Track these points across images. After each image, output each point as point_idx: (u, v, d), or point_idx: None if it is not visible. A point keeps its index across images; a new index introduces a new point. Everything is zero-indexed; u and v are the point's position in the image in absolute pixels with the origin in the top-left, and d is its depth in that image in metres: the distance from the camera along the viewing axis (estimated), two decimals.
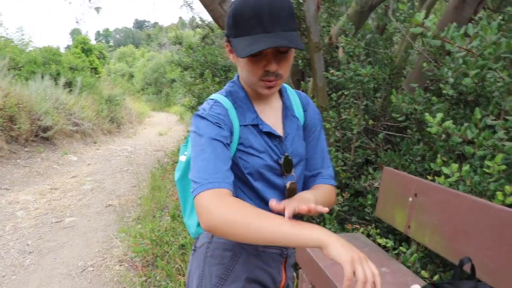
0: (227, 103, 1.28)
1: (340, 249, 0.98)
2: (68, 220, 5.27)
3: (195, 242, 1.46)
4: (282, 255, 1.41)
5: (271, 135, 1.30)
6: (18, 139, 8.81)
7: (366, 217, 2.93)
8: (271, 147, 1.29)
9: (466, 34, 1.98)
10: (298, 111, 1.43)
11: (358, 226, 2.80)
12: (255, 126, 1.29)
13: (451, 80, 2.08)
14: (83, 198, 6.35)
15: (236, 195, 1.27)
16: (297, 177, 1.36)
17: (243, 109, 1.30)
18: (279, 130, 1.34)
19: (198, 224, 1.41)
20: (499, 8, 4.22)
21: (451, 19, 3.01)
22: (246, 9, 1.13)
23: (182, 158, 1.47)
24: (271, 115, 1.34)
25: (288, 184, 1.32)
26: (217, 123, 1.21)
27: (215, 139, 1.17)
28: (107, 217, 5.38)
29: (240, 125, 1.27)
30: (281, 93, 1.41)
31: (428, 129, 1.95)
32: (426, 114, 1.92)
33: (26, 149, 8.85)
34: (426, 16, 3.86)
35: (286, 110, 1.38)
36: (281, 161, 1.30)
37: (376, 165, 3.10)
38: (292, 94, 1.46)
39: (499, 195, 1.84)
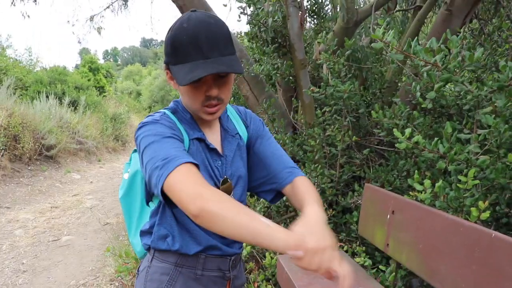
0: (173, 117, 1.28)
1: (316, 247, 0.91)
2: (65, 239, 5.27)
3: (139, 265, 1.45)
4: (225, 278, 1.40)
5: (214, 154, 1.31)
6: (22, 158, 8.88)
7: (352, 234, 2.90)
8: (212, 167, 1.30)
9: (446, 47, 1.99)
10: (240, 129, 1.44)
11: (342, 244, 2.78)
12: (201, 141, 1.30)
13: (418, 94, 2.08)
14: (82, 217, 6.36)
15: (171, 211, 1.28)
16: (237, 198, 1.35)
17: (188, 126, 1.30)
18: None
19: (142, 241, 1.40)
20: (493, 18, 4.23)
21: (439, 31, 3.02)
22: (184, 37, 1.14)
23: (126, 176, 1.47)
24: (211, 137, 1.35)
25: None
26: (170, 127, 1.21)
27: (171, 137, 1.16)
28: (103, 236, 5.38)
29: (190, 139, 1.27)
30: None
31: (398, 144, 1.94)
32: (395, 130, 1.91)
33: (29, 168, 8.91)
34: (419, 29, 3.92)
35: (224, 132, 1.39)
36: (219, 183, 1.30)
37: (364, 181, 3.08)
38: (232, 113, 1.47)
39: (474, 211, 1.82)
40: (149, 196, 1.36)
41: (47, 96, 11.60)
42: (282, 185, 1.37)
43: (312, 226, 0.99)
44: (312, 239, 0.92)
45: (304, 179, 1.37)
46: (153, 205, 1.37)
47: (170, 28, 1.19)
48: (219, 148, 1.35)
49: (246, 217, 0.95)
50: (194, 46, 1.13)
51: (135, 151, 1.52)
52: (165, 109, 1.33)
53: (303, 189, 1.30)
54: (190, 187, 0.99)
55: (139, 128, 1.23)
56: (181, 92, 1.26)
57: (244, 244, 3.01)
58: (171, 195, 1.02)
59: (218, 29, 1.16)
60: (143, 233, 1.38)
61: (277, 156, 1.42)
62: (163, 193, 1.04)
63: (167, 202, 1.07)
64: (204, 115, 1.25)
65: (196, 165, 1.08)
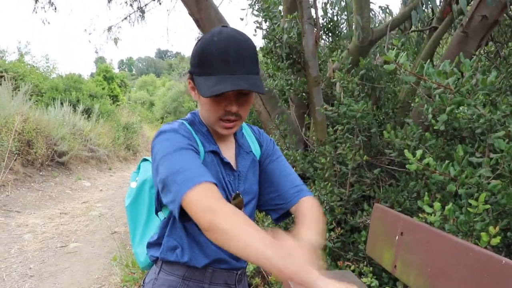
0: (190, 128, 1.30)
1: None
2: (73, 246, 5.30)
3: (144, 276, 1.46)
4: None
5: (228, 168, 1.32)
6: (34, 163, 8.98)
7: (360, 254, 2.88)
8: (226, 181, 1.31)
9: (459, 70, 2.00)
10: (254, 147, 1.45)
11: (350, 263, 2.76)
12: (216, 154, 1.31)
13: (430, 116, 2.08)
14: (90, 224, 6.40)
15: (183, 225, 1.29)
16: (247, 214, 1.36)
17: (204, 138, 1.32)
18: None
19: (147, 253, 1.41)
20: (509, 41, 4.22)
21: (455, 53, 3.02)
22: (213, 49, 1.16)
23: (133, 185, 1.48)
24: (226, 152, 1.36)
25: None
26: (187, 136, 1.22)
27: (189, 148, 1.18)
28: (111, 244, 5.40)
29: (205, 151, 1.29)
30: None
31: (408, 166, 1.94)
32: (406, 151, 1.91)
33: (41, 173, 9.00)
34: (434, 50, 3.92)
35: (239, 148, 1.40)
36: (231, 197, 1.31)
37: (374, 200, 3.07)
38: (247, 131, 1.48)
39: (484, 236, 1.80)
40: (159, 206, 1.37)
41: (61, 103, 11.75)
42: (289, 205, 1.38)
43: (293, 249, 0.97)
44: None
45: (309, 200, 1.38)
46: (162, 215, 1.38)
47: (200, 40, 1.22)
48: (233, 163, 1.36)
49: (254, 237, 0.94)
50: (222, 60, 1.15)
51: (144, 160, 1.53)
52: (182, 119, 1.35)
53: (305, 211, 1.31)
54: (204, 201, 1.01)
55: (157, 135, 1.24)
56: (201, 104, 1.28)
57: None
58: (188, 210, 1.03)
59: (247, 46, 1.19)
60: (151, 245, 1.39)
61: (285, 174, 1.43)
62: (179, 209, 1.05)
63: (181, 218, 1.07)
64: (220, 129, 1.26)
65: (215, 184, 1.09)
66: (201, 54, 1.19)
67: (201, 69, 1.19)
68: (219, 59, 1.15)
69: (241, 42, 1.18)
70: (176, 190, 1.05)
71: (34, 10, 8.79)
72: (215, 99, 1.20)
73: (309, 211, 1.31)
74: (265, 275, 3.15)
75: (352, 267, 2.69)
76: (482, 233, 1.80)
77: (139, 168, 1.53)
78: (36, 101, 12.39)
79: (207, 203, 1.00)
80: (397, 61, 1.81)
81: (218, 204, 1.00)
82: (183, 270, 1.31)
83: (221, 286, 1.36)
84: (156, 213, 1.39)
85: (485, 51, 4.05)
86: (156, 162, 1.17)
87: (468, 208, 1.86)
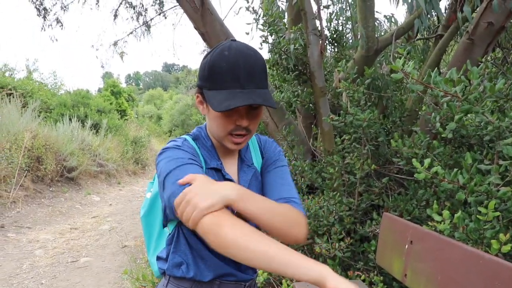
0: (194, 144, 1.31)
1: (341, 280, 0.94)
2: (83, 260, 5.32)
3: (157, 285, 1.47)
4: None
5: None
6: (44, 179, 9.04)
7: (370, 264, 2.87)
8: None
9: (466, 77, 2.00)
10: (256, 159, 1.45)
11: (360, 273, 2.75)
12: (218, 171, 1.32)
13: (438, 124, 2.08)
14: (101, 239, 6.41)
15: (186, 239, 1.31)
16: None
17: (207, 154, 1.33)
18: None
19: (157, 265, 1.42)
20: None
21: (461, 60, 3.01)
22: (223, 64, 1.16)
23: (148, 195, 1.49)
24: (229, 167, 1.37)
25: None
26: (190, 152, 1.24)
27: (193, 164, 1.19)
28: (121, 258, 5.40)
29: (207, 168, 1.30)
30: None
31: (416, 174, 1.94)
32: (414, 160, 1.91)
33: (51, 189, 9.05)
34: (440, 57, 3.92)
35: (241, 162, 1.41)
36: (235, 213, 1.32)
37: (383, 210, 3.06)
38: (253, 142, 1.49)
39: (494, 243, 1.79)
40: (166, 220, 1.38)
41: (70, 119, 11.84)
42: None
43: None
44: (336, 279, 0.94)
45: (290, 206, 1.28)
46: (168, 230, 1.39)
47: (209, 53, 1.22)
48: (235, 178, 1.37)
49: (262, 244, 0.98)
50: (232, 74, 1.15)
51: None
52: (187, 135, 1.37)
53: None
54: (209, 215, 1.03)
55: (161, 153, 1.26)
56: (210, 118, 1.27)
57: (260, 271, 2.99)
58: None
59: (257, 61, 1.19)
60: (159, 258, 1.40)
61: (276, 185, 1.37)
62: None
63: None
64: (229, 144, 1.27)
65: None
66: (211, 68, 1.18)
67: (211, 83, 1.19)
68: (229, 73, 1.16)
69: (251, 56, 1.18)
70: (172, 191, 1.10)
71: (42, 28, 8.93)
72: (225, 113, 1.20)
73: (280, 204, 1.26)
74: (275, 286, 3.14)
75: (363, 277, 2.68)
76: (493, 241, 1.79)
77: (154, 178, 1.54)
78: (45, 117, 12.52)
79: (210, 217, 1.03)
80: (404, 70, 1.82)
81: (220, 215, 1.04)
82: (190, 283, 1.32)
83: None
84: (163, 227, 1.40)
85: (492, 58, 4.05)
86: (161, 179, 1.19)
87: (477, 216, 1.85)
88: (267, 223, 1.15)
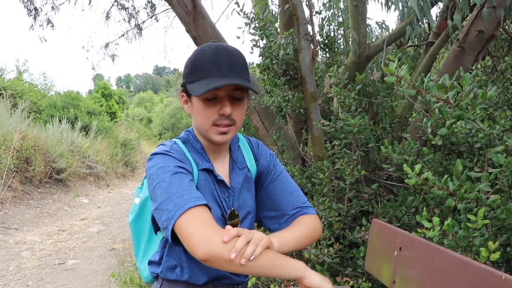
0: (183, 147, 1.31)
1: (320, 277, 1.16)
2: (71, 262, 5.27)
3: None
4: None
5: (222, 185, 1.32)
6: (32, 180, 8.97)
7: (359, 270, 2.86)
8: (220, 199, 1.31)
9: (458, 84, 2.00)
10: (250, 162, 1.45)
11: (348, 279, 2.74)
12: (210, 172, 1.31)
13: (429, 130, 2.08)
14: (88, 241, 6.36)
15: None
16: None
17: (198, 156, 1.32)
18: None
19: (149, 270, 1.41)
20: (506, 56, 4.24)
21: (451, 68, 3.03)
22: (204, 58, 1.20)
23: (137, 201, 1.47)
24: (220, 168, 1.36)
25: None
26: (179, 159, 1.23)
27: (180, 172, 1.19)
28: (109, 261, 5.36)
29: (199, 169, 1.29)
30: (230, 146, 1.43)
31: (407, 180, 1.94)
32: (405, 165, 1.91)
33: (39, 190, 8.98)
34: (431, 65, 3.94)
35: (233, 164, 1.40)
36: (227, 215, 1.31)
37: (372, 216, 3.06)
38: (244, 144, 1.48)
39: (483, 251, 1.79)
40: (156, 226, 1.37)
41: (60, 120, 11.77)
42: (287, 225, 1.40)
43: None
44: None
45: (306, 217, 1.40)
46: (161, 234, 1.38)
47: (192, 53, 1.26)
48: (227, 180, 1.36)
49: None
50: (213, 65, 1.18)
51: None
52: (176, 138, 1.36)
53: (292, 225, 1.37)
54: (198, 231, 1.05)
55: (150, 159, 1.26)
56: (194, 113, 1.28)
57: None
58: (181, 238, 1.08)
59: (237, 55, 1.22)
60: (152, 263, 1.39)
61: (287, 194, 1.43)
62: (172, 234, 1.10)
63: (175, 242, 1.12)
64: (214, 135, 1.26)
65: (207, 206, 1.12)
66: (192, 62, 1.23)
67: (193, 76, 1.22)
68: (210, 64, 1.19)
69: (231, 51, 1.22)
70: (168, 216, 1.10)
71: (31, 27, 8.86)
72: (208, 103, 1.22)
73: (295, 225, 1.36)
74: None
75: (351, 283, 2.67)
76: (482, 248, 1.79)
77: (143, 183, 1.53)
78: (35, 118, 12.42)
79: (200, 234, 1.05)
80: (397, 74, 1.82)
81: (211, 233, 1.06)
82: (184, 286, 1.31)
83: None
84: (155, 232, 1.39)
85: (482, 66, 4.08)
86: (150, 188, 1.21)
87: (467, 223, 1.85)
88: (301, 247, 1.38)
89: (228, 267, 1.04)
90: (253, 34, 3.74)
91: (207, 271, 1.30)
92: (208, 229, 1.06)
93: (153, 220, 1.34)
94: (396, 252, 2.15)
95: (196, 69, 1.21)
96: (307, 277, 1.14)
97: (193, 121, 1.33)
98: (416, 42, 4.63)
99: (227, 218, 1.31)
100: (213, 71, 1.18)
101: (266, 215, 1.46)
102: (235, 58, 1.21)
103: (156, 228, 1.36)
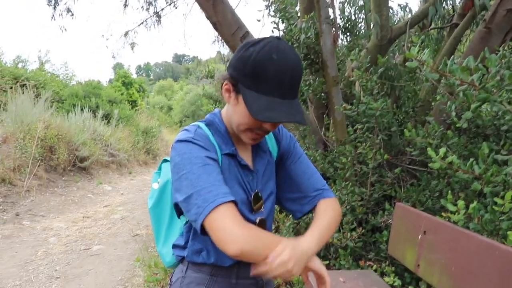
0: (207, 131, 1.29)
1: (320, 262, 1.23)
2: (96, 248, 5.37)
3: (171, 276, 1.47)
4: (258, 285, 1.41)
5: (246, 169, 1.32)
6: (57, 168, 9.13)
7: (382, 254, 2.86)
8: (244, 182, 1.31)
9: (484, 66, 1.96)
10: (271, 144, 1.45)
11: (371, 263, 2.74)
12: (233, 157, 1.31)
13: (453, 113, 2.05)
14: (113, 227, 6.47)
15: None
16: (266, 212, 1.37)
17: (222, 140, 1.31)
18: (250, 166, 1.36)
19: (173, 253, 1.42)
20: None
21: (477, 50, 2.95)
22: (271, 69, 1.12)
23: (155, 186, 1.48)
24: (243, 152, 1.36)
25: (257, 220, 1.33)
26: (205, 146, 1.21)
27: (205, 161, 1.17)
28: (133, 246, 5.45)
29: (222, 154, 1.28)
30: None
31: (431, 164, 1.91)
32: (429, 149, 1.88)
33: (63, 178, 9.14)
34: (455, 47, 3.86)
35: (256, 147, 1.40)
36: (251, 197, 1.31)
37: (395, 200, 3.04)
38: None
39: (511, 234, 1.77)
40: (179, 210, 1.37)
41: (81, 109, 11.93)
42: (310, 207, 1.41)
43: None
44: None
45: (327, 202, 1.40)
46: (184, 218, 1.39)
47: (251, 46, 1.16)
48: (250, 163, 1.36)
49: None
50: (278, 82, 1.13)
51: (164, 161, 1.54)
52: (199, 121, 1.35)
53: (319, 214, 1.36)
54: (228, 229, 1.06)
55: (174, 147, 1.24)
56: (236, 111, 1.23)
57: None
58: (211, 234, 1.09)
59: (300, 70, 1.18)
60: (176, 246, 1.40)
61: (307, 176, 1.44)
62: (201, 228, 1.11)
63: (204, 234, 1.12)
64: (245, 138, 1.26)
65: (234, 202, 1.12)
66: (255, 67, 1.13)
67: (252, 83, 1.15)
68: (275, 80, 1.12)
69: (296, 64, 1.15)
70: (197, 211, 1.10)
71: (52, 17, 8.96)
72: None
73: (322, 213, 1.35)
74: None
75: (374, 267, 2.67)
76: (509, 232, 1.77)
77: (160, 168, 1.53)
78: (57, 108, 12.60)
79: (230, 232, 1.07)
80: (419, 58, 1.79)
81: (240, 230, 1.07)
82: (210, 268, 1.33)
83: (249, 280, 1.36)
84: (178, 216, 1.40)
85: (510, 47, 3.98)
86: (175, 177, 1.20)
87: (493, 207, 1.82)
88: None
89: (257, 259, 1.09)
90: (273, 17, 3.72)
91: None
92: (236, 226, 1.07)
93: (176, 204, 1.35)
94: (420, 236, 2.14)
95: (257, 77, 1.13)
96: (311, 260, 1.20)
97: (231, 113, 1.28)
98: (440, 25, 4.53)
99: (253, 203, 1.32)
100: (275, 89, 1.13)
101: (288, 197, 1.46)
102: (298, 75, 1.17)
103: (179, 212, 1.36)
